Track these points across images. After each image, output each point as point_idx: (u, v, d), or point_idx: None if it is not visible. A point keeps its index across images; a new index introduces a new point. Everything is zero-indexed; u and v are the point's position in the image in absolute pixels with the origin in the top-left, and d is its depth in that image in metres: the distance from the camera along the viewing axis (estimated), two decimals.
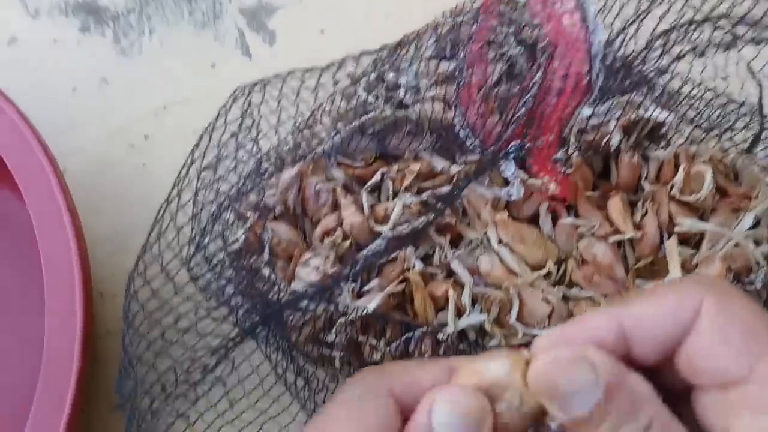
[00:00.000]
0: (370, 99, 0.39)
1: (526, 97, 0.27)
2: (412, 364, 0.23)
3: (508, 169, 0.30)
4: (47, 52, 0.50)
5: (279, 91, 0.28)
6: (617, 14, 0.23)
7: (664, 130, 0.37)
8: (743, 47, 0.22)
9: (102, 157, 0.48)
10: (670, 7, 0.22)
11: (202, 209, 0.27)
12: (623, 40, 0.23)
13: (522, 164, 0.29)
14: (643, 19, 0.22)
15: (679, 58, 0.24)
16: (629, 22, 0.22)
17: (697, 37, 0.22)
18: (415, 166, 0.37)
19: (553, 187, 0.30)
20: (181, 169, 0.28)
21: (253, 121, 0.28)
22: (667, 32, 0.22)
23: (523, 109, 0.28)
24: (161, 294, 0.23)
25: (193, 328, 0.23)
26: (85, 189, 0.47)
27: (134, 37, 0.50)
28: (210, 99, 0.51)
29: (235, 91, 0.28)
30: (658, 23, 0.23)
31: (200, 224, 0.27)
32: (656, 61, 0.24)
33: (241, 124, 0.28)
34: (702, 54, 0.23)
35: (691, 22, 0.21)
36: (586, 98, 0.21)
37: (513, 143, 0.29)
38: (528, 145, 0.27)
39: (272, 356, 0.29)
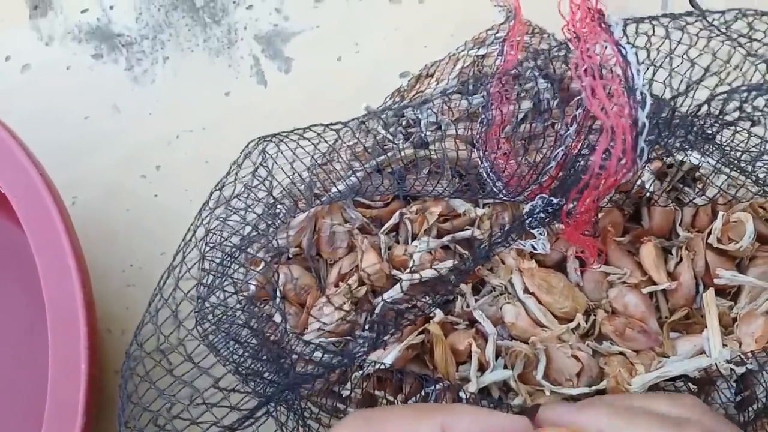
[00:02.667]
0: (389, 136, 0.37)
1: (558, 150, 0.25)
2: (402, 413, 0.21)
3: (537, 227, 0.28)
4: (60, 79, 0.49)
5: (296, 143, 0.26)
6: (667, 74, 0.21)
7: (699, 173, 0.35)
8: None
9: (113, 187, 0.47)
10: (726, 76, 0.20)
11: (211, 264, 0.26)
12: (673, 108, 0.21)
13: (556, 220, 0.27)
14: (697, 89, 0.20)
15: (730, 124, 0.22)
16: (686, 87, 0.20)
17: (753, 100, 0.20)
18: (436, 208, 0.35)
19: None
20: (186, 233, 0.26)
21: (268, 172, 0.27)
22: (715, 96, 0.20)
23: (554, 163, 0.26)
24: (156, 370, 0.21)
25: (198, 400, 0.22)
26: (95, 219, 0.46)
27: (147, 65, 0.49)
28: (223, 128, 0.50)
29: (247, 146, 0.27)
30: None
31: (207, 283, 0.25)
32: (704, 126, 0.22)
33: (255, 174, 0.26)
34: (755, 123, 0.22)
35: (746, 89, 0.19)
36: (630, 175, 0.20)
37: (540, 196, 0.27)
38: (562, 203, 0.25)
39: (285, 423, 0.27)
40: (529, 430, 0.20)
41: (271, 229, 0.30)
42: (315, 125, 0.26)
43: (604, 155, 0.19)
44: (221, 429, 0.22)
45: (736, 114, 0.21)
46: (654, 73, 0.21)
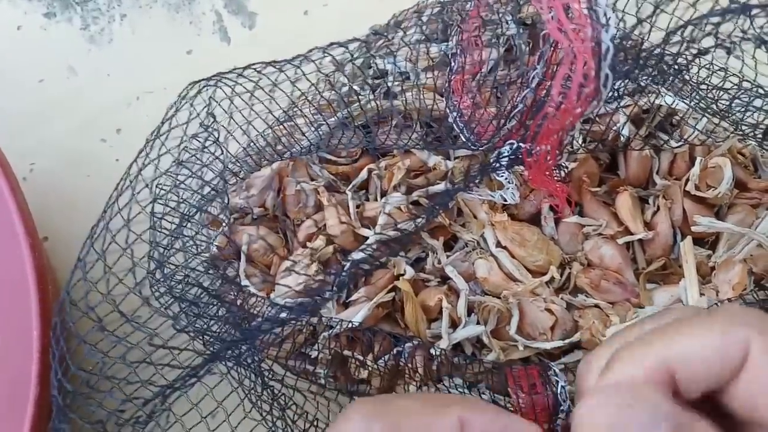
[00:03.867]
0: (356, 87, 0.36)
1: (525, 92, 0.24)
2: (414, 407, 0.20)
3: (501, 173, 0.27)
4: (10, 40, 0.46)
5: (235, 85, 0.25)
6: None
7: (677, 118, 0.34)
8: None
9: (72, 153, 0.45)
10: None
11: (161, 219, 0.24)
12: (639, 34, 0.20)
13: (521, 164, 0.26)
14: (660, 12, 0.19)
15: (702, 53, 0.21)
16: (649, 15, 0.18)
17: (725, 28, 0.18)
18: (405, 162, 0.34)
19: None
20: (121, 180, 0.24)
21: (214, 119, 0.25)
22: (691, 23, 0.19)
23: (521, 105, 0.24)
24: (104, 321, 0.20)
25: (147, 359, 0.21)
26: (55, 187, 0.44)
27: (104, 23, 0.47)
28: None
29: (185, 89, 0.25)
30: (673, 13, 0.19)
31: (157, 237, 0.24)
32: (676, 55, 0.21)
33: (204, 123, 0.25)
34: (730, 50, 0.20)
35: (721, 12, 0.18)
36: (593, 104, 0.18)
37: (508, 142, 0.26)
38: (523, 146, 0.24)
39: (244, 383, 0.26)
40: None
41: (228, 186, 0.28)
42: (255, 63, 0.25)
43: (565, 85, 0.18)
44: (163, 388, 0.21)
45: (710, 42, 0.20)
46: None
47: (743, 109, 0.26)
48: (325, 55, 0.24)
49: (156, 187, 0.24)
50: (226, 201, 0.28)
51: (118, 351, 0.20)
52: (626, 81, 0.23)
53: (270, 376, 0.28)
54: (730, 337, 0.17)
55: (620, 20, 0.19)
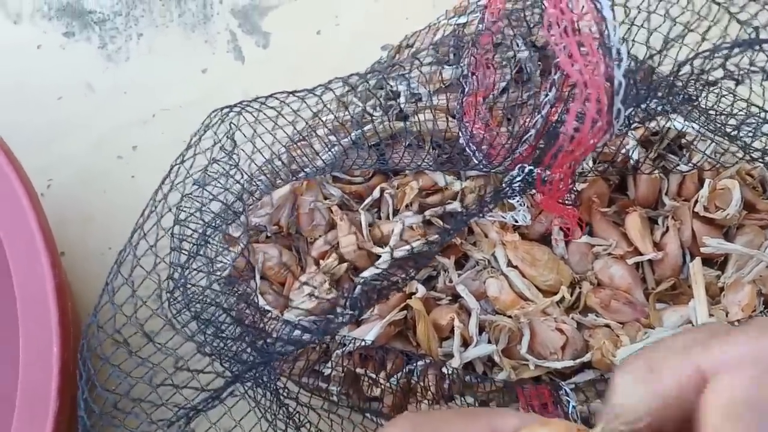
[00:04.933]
0: (368, 109, 0.36)
1: (537, 118, 0.24)
2: (451, 417, 0.21)
3: (514, 197, 0.27)
4: (30, 59, 0.48)
5: (258, 113, 0.25)
6: (644, 31, 0.20)
7: (686, 140, 0.34)
8: None
9: (89, 169, 0.46)
10: (707, 31, 0.19)
11: (182, 241, 0.25)
12: (650, 64, 0.20)
13: (532, 187, 0.26)
14: (672, 46, 0.19)
15: (712, 84, 0.22)
16: (659, 50, 0.19)
17: (735, 59, 0.19)
18: (417, 183, 0.35)
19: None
20: (144, 208, 0.25)
21: (236, 145, 0.26)
22: (697, 55, 0.19)
23: (533, 131, 0.25)
24: (130, 345, 0.21)
25: (167, 380, 0.21)
26: (72, 202, 0.45)
27: (121, 42, 0.48)
28: (201, 106, 0.48)
29: (209, 117, 0.26)
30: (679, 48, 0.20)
31: (178, 259, 0.24)
32: (685, 87, 0.21)
33: (225, 148, 0.25)
34: (739, 82, 0.21)
35: (730, 45, 0.18)
36: (606, 138, 0.19)
37: (519, 166, 0.26)
38: (536, 171, 0.24)
39: (261, 402, 0.26)
40: None
41: (246, 206, 0.29)
42: (278, 93, 0.25)
43: (578, 117, 0.18)
44: (187, 410, 0.21)
45: (719, 73, 0.21)
46: (629, 31, 0.20)
47: (751, 134, 0.27)
48: (345, 85, 0.25)
49: (178, 209, 0.25)
50: (245, 222, 0.29)
51: (141, 372, 0.21)
52: (636, 110, 0.23)
53: (285, 394, 0.29)
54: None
55: (629, 51, 0.19)
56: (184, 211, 0.24)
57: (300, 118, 0.25)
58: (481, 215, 0.29)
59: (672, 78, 0.21)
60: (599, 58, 0.18)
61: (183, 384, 0.22)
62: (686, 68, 0.21)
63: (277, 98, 0.24)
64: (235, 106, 0.26)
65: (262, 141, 0.26)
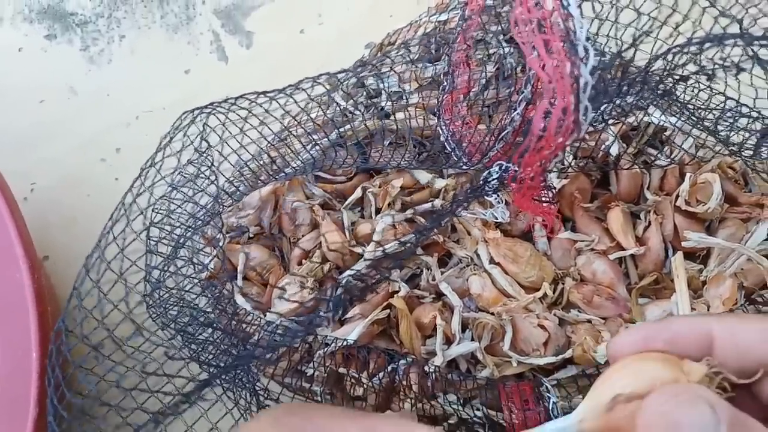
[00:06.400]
0: (349, 107, 0.36)
1: (513, 115, 0.24)
2: (327, 414, 0.21)
3: (490, 194, 0.27)
4: (12, 62, 0.47)
5: (228, 113, 0.25)
6: (613, 27, 0.20)
7: (666, 135, 0.34)
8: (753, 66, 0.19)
9: (72, 172, 0.45)
10: (678, 26, 0.19)
11: (157, 243, 0.25)
12: (620, 62, 0.20)
13: (506, 186, 0.26)
14: (642, 41, 0.19)
15: (684, 79, 0.21)
16: (629, 45, 0.19)
17: (707, 54, 0.19)
18: (398, 181, 0.34)
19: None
20: (115, 210, 0.25)
21: (209, 145, 0.26)
22: (672, 51, 0.19)
23: (510, 128, 0.25)
24: (99, 348, 0.20)
25: (142, 383, 0.21)
26: (55, 206, 0.45)
27: (103, 44, 0.48)
28: (185, 107, 0.48)
29: (179, 119, 0.26)
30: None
31: (152, 261, 0.24)
32: (658, 82, 0.21)
33: (198, 149, 0.25)
34: (711, 77, 0.21)
35: (699, 42, 0.18)
36: (573, 136, 0.18)
37: (497, 163, 0.26)
38: (511, 167, 0.24)
39: (240, 402, 0.26)
40: None
41: (224, 207, 0.29)
42: (248, 93, 0.25)
43: (547, 115, 0.18)
44: (154, 414, 0.21)
45: (693, 68, 0.20)
46: (600, 26, 0.19)
47: (729, 128, 0.27)
48: (315, 84, 0.25)
49: (153, 211, 0.24)
50: (220, 224, 0.28)
51: (112, 377, 0.21)
52: (611, 105, 0.23)
53: (265, 395, 0.28)
54: None
55: (600, 48, 0.19)
56: (160, 214, 0.24)
57: (273, 117, 0.25)
58: (454, 213, 0.29)
59: (645, 73, 0.21)
60: (565, 56, 0.18)
61: (155, 388, 0.21)
62: (659, 63, 0.20)
63: (247, 98, 0.24)
64: (206, 107, 0.26)
65: (237, 141, 0.26)
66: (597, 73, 0.18)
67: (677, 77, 0.21)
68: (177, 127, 0.25)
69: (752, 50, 0.18)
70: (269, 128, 0.26)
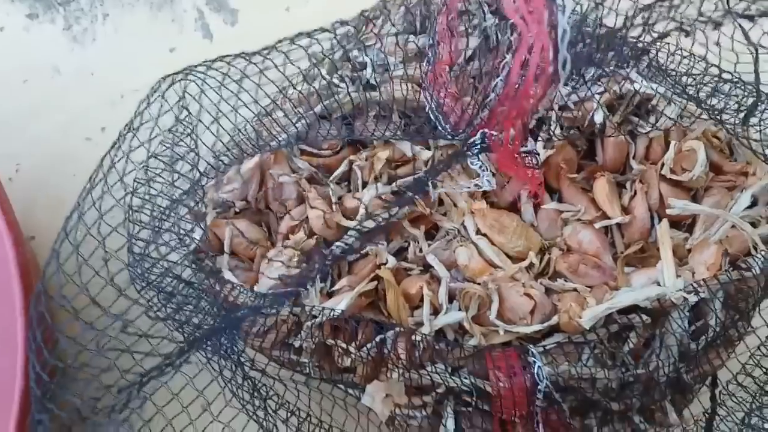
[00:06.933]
0: (335, 80, 0.36)
1: (496, 81, 0.24)
2: None
3: (474, 162, 0.27)
4: None
5: (206, 78, 0.25)
6: None
7: (652, 104, 0.34)
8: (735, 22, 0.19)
9: (58, 152, 0.45)
10: None
11: (138, 212, 0.24)
12: (598, 17, 0.20)
13: (488, 150, 0.26)
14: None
15: (662, 36, 0.21)
16: None
17: (684, 11, 0.19)
18: (384, 153, 0.34)
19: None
20: (93, 173, 0.25)
21: (189, 113, 0.25)
22: (649, 6, 0.19)
23: (493, 95, 0.25)
24: (80, 313, 0.20)
25: (127, 348, 0.21)
26: (41, 186, 0.45)
27: (86, 23, 0.47)
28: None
29: (157, 82, 0.25)
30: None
31: (134, 230, 0.24)
32: (637, 40, 0.21)
33: (179, 117, 0.25)
34: (689, 33, 0.20)
35: None
36: (552, 87, 0.18)
37: (481, 131, 0.26)
38: (489, 132, 0.24)
39: (224, 373, 0.26)
40: None
41: (210, 180, 0.29)
42: (225, 56, 0.25)
43: (524, 66, 0.18)
44: (137, 375, 0.21)
45: (672, 26, 0.20)
46: None
47: (710, 94, 0.27)
48: (294, 46, 0.25)
49: (134, 181, 0.24)
50: (202, 194, 0.28)
51: (95, 341, 0.21)
52: (591, 67, 0.23)
53: (250, 366, 0.28)
54: None
55: (578, 3, 0.19)
56: (139, 183, 0.24)
57: (252, 81, 0.25)
58: (434, 178, 0.28)
59: (625, 29, 0.20)
60: (542, 4, 0.17)
61: (137, 350, 0.21)
62: (638, 20, 0.20)
63: (224, 60, 0.24)
64: (182, 71, 0.25)
65: (216, 106, 0.26)
66: (574, 22, 0.18)
67: (656, 35, 0.21)
68: (155, 90, 0.24)
69: (727, 4, 0.18)
70: (248, 93, 0.26)
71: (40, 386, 0.19)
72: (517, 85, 0.19)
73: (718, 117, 0.27)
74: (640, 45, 0.23)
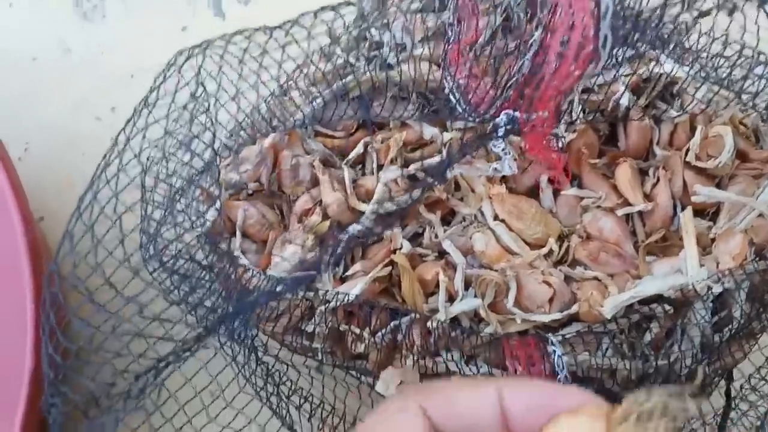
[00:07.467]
0: (351, 60, 0.35)
1: (523, 60, 0.23)
2: (456, 384, 0.21)
3: (498, 145, 0.26)
4: (2, 18, 0.46)
5: (224, 53, 0.24)
6: None
7: (677, 87, 0.33)
8: None
9: (67, 132, 0.44)
10: None
11: (152, 192, 0.24)
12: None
13: (518, 133, 0.25)
14: None
15: (703, 15, 0.20)
16: None
17: None
18: (401, 136, 0.33)
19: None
20: (108, 151, 0.24)
21: (204, 89, 0.25)
22: None
23: (519, 74, 0.24)
24: (94, 294, 0.20)
25: (138, 332, 0.20)
26: (50, 166, 0.44)
27: (97, 0, 0.46)
28: None
29: (173, 56, 0.25)
30: None
31: (148, 210, 0.23)
32: (676, 18, 0.20)
33: (194, 94, 0.24)
34: (732, 11, 0.19)
35: None
36: (591, 67, 0.17)
37: (505, 112, 0.25)
38: (521, 115, 0.23)
39: (237, 359, 0.26)
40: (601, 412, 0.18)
41: (223, 160, 0.28)
42: (243, 30, 0.24)
43: (564, 45, 0.17)
44: (155, 361, 0.21)
45: (711, 4, 0.19)
46: None
47: (743, 77, 0.26)
48: (316, 19, 0.24)
49: (147, 159, 0.24)
50: (216, 174, 0.28)
51: (109, 324, 0.20)
52: (625, 48, 0.22)
53: (264, 351, 0.28)
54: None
55: None
56: (153, 162, 0.23)
57: (272, 59, 0.24)
58: (461, 161, 0.28)
59: (662, 9, 0.20)
60: None
61: (153, 336, 0.21)
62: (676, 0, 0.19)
63: (243, 35, 0.23)
64: (200, 45, 0.24)
65: (233, 84, 0.25)
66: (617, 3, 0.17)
67: (696, 14, 0.20)
68: (171, 64, 0.24)
69: None
70: (267, 70, 0.25)
71: (53, 368, 0.19)
72: (555, 64, 0.18)
73: (752, 102, 0.26)
74: (678, 25, 0.22)
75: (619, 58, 0.23)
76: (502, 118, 0.26)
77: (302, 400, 0.28)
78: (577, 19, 0.17)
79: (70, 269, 0.20)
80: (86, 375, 0.19)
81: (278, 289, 0.25)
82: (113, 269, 0.20)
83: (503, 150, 0.27)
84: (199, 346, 0.21)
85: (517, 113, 0.24)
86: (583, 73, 0.18)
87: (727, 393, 0.33)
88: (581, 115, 0.31)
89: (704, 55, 0.27)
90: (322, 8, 0.24)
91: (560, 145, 0.29)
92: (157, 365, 0.20)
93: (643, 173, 0.34)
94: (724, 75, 0.27)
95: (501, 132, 0.25)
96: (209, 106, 0.25)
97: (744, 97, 0.27)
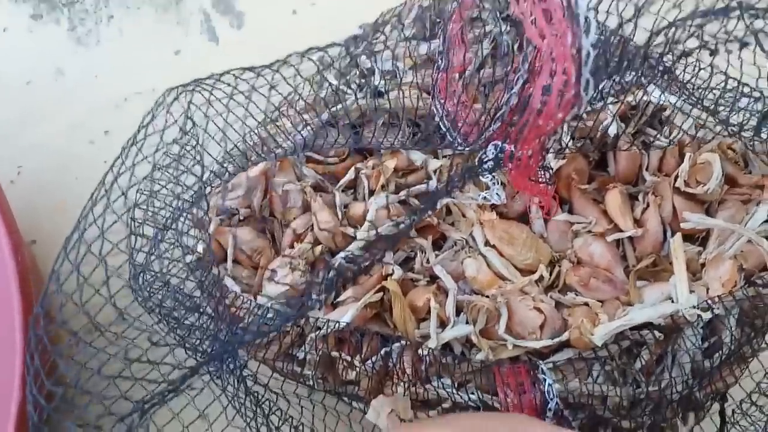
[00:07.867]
0: (342, 87, 0.35)
1: (510, 94, 0.24)
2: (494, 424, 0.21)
3: (486, 175, 0.26)
4: None
5: (213, 90, 0.24)
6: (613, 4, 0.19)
7: (665, 115, 0.34)
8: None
9: (60, 155, 0.44)
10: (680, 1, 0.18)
11: (141, 225, 0.24)
12: (620, 38, 0.19)
13: (502, 166, 0.26)
14: (643, 14, 0.18)
15: (686, 54, 0.21)
16: (632, 16, 0.18)
17: (707, 28, 0.18)
18: (392, 162, 0.34)
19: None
20: (95, 190, 0.24)
21: (194, 124, 0.25)
22: (672, 25, 0.18)
23: (506, 107, 0.24)
24: (80, 334, 0.20)
25: (126, 370, 0.20)
26: (43, 189, 0.44)
27: (91, 25, 0.47)
28: None
29: (162, 95, 0.25)
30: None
31: (136, 244, 0.23)
32: (659, 58, 0.20)
33: (183, 129, 0.24)
34: (714, 52, 0.20)
35: (702, 13, 0.17)
36: (573, 111, 0.18)
37: (493, 144, 0.25)
38: (508, 148, 0.24)
39: (227, 389, 0.25)
40: None
41: (212, 189, 0.28)
42: (233, 69, 0.24)
43: (547, 90, 0.18)
44: (138, 403, 0.20)
45: (695, 43, 0.20)
46: (599, 2, 0.19)
47: (729, 108, 0.26)
48: (304, 59, 0.24)
49: (136, 192, 0.24)
50: (206, 204, 0.28)
51: (95, 364, 0.20)
52: (611, 82, 0.22)
53: (254, 381, 0.28)
54: None
55: (602, 24, 0.18)
56: (143, 194, 0.23)
57: (260, 94, 0.24)
58: (449, 195, 0.28)
59: (646, 48, 0.20)
60: (566, 27, 0.17)
61: (139, 375, 0.21)
62: (660, 38, 0.20)
63: (232, 73, 0.23)
64: (189, 84, 0.25)
65: (223, 119, 0.25)
66: (599, 45, 0.17)
67: (679, 53, 0.20)
68: (159, 104, 0.24)
69: (752, 24, 0.17)
70: (256, 106, 0.25)
71: (37, 412, 0.19)
72: (537, 109, 0.18)
73: (735, 130, 0.26)
74: (662, 63, 0.22)
75: (606, 92, 0.24)
76: (490, 148, 0.26)
77: (292, 430, 0.28)
78: (558, 66, 0.17)
79: (58, 308, 0.20)
80: (72, 417, 0.19)
81: (267, 325, 0.25)
82: (99, 309, 0.20)
83: (491, 180, 0.28)
84: (186, 386, 0.21)
85: (505, 145, 0.24)
86: (565, 116, 0.18)
87: (722, 414, 0.33)
88: (570, 143, 0.32)
89: (690, 85, 0.28)
90: (310, 49, 0.25)
91: (548, 175, 0.29)
92: (141, 406, 0.20)
93: (632, 198, 0.34)
94: (710, 105, 0.27)
95: (488, 165, 0.25)
96: (199, 139, 0.25)
97: (731, 127, 0.28)
